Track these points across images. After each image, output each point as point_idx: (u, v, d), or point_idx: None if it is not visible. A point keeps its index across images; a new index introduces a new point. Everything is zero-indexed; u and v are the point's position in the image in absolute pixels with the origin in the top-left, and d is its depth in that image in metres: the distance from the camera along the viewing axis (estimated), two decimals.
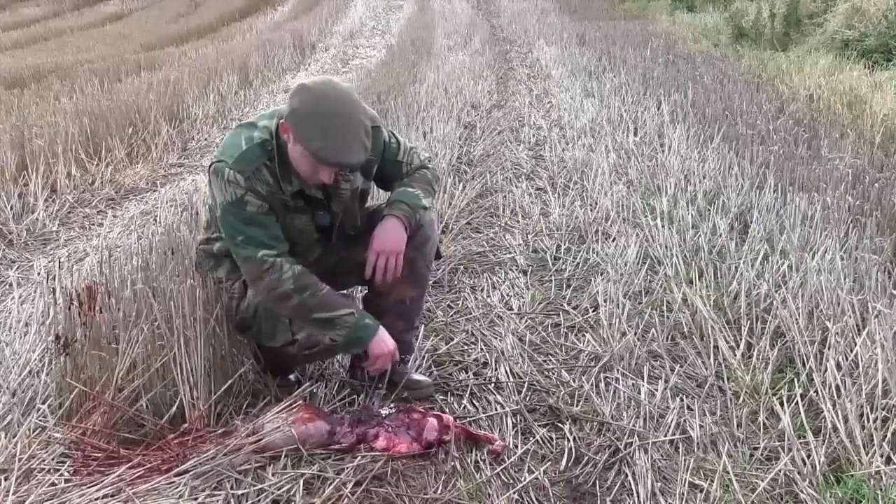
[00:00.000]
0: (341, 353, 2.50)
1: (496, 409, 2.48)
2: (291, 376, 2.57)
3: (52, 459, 2.11)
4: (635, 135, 5.49)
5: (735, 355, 2.69)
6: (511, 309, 3.20)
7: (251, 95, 7.71)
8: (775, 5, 9.59)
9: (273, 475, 2.10)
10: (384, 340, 2.30)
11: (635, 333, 2.87)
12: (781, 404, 2.38)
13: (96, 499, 1.97)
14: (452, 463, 2.19)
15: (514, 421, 2.43)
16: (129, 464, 2.06)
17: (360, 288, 2.82)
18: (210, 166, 2.25)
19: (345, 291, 2.54)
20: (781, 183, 4.03)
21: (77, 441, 2.15)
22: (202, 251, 2.44)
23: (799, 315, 2.74)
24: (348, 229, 2.43)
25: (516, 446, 2.31)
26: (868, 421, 2.21)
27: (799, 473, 2.11)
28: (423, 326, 2.99)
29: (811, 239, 3.36)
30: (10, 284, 3.41)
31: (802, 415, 2.32)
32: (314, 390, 2.52)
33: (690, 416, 2.40)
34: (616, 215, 4.03)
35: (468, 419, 2.43)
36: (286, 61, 9.61)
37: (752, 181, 4.18)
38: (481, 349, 2.86)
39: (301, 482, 2.08)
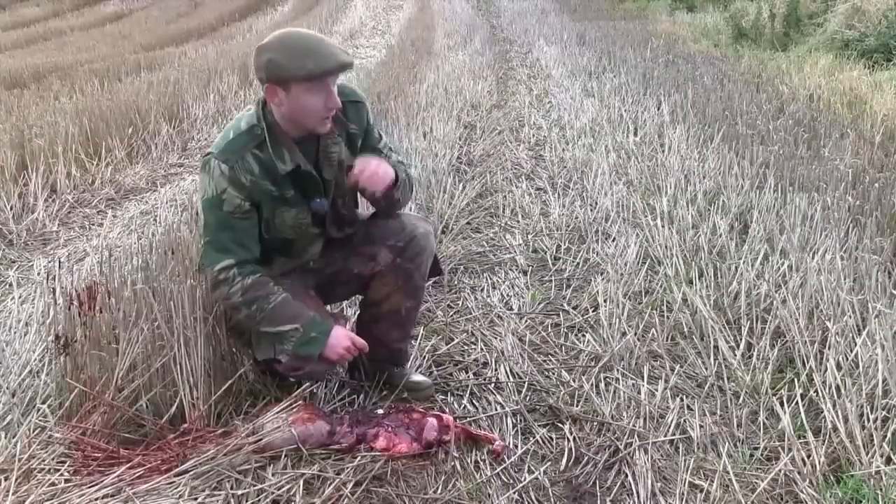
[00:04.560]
0: (311, 370, 2.35)
1: (496, 409, 2.48)
2: (291, 378, 2.57)
3: (52, 459, 2.11)
4: (635, 135, 5.49)
5: (735, 355, 2.69)
6: (511, 309, 3.20)
7: (251, 95, 7.70)
8: (775, 5, 9.59)
9: (273, 475, 2.10)
10: (336, 346, 2.24)
11: (635, 333, 2.87)
12: (781, 404, 2.38)
13: (96, 499, 1.97)
14: (452, 463, 2.19)
15: (514, 421, 2.43)
16: (129, 464, 2.06)
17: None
18: (201, 161, 2.28)
19: (311, 293, 2.45)
20: (781, 183, 4.03)
21: (77, 441, 2.15)
22: None
23: (799, 315, 2.74)
24: (341, 209, 2.41)
25: (516, 446, 2.31)
26: (868, 421, 2.21)
27: (799, 473, 2.11)
28: (422, 327, 2.99)
29: (811, 239, 3.36)
30: (10, 284, 3.41)
31: (802, 415, 2.32)
32: (314, 390, 2.52)
33: (690, 416, 2.40)
34: (616, 215, 4.03)
35: (468, 419, 2.43)
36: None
37: (752, 181, 4.18)
38: (481, 349, 2.86)
39: (301, 482, 2.08)
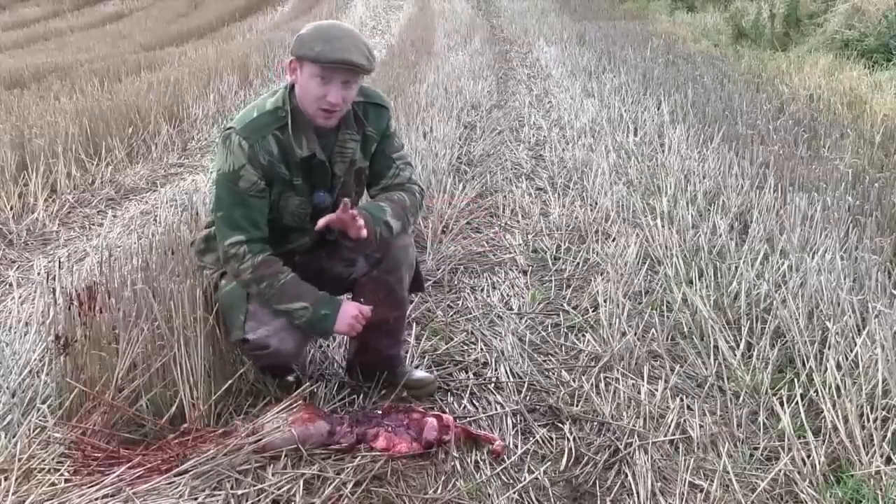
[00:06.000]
0: (277, 349, 2.32)
1: (496, 409, 2.48)
2: (290, 377, 2.57)
3: (52, 459, 2.11)
4: (635, 135, 5.49)
5: (735, 355, 2.69)
6: (511, 309, 3.20)
7: (251, 95, 7.70)
8: (775, 5, 9.59)
9: (273, 475, 2.10)
10: (345, 317, 2.27)
11: (635, 333, 2.87)
12: (781, 404, 2.38)
13: (96, 499, 1.97)
14: (452, 463, 2.19)
15: (514, 421, 2.43)
16: (129, 464, 2.06)
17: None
18: (220, 136, 2.31)
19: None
20: (781, 183, 4.03)
21: (77, 441, 2.14)
22: (203, 236, 2.45)
23: (799, 315, 2.74)
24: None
25: (516, 446, 2.31)
26: (868, 421, 2.21)
27: (799, 473, 2.11)
28: (422, 327, 3.00)
29: (811, 239, 3.36)
30: (10, 284, 3.41)
31: (802, 415, 2.32)
32: (314, 390, 2.52)
33: (690, 416, 2.40)
34: (616, 215, 4.03)
35: (468, 419, 2.43)
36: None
37: (752, 181, 4.18)
38: (481, 349, 2.86)
39: (301, 482, 2.08)
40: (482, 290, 3.38)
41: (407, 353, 2.73)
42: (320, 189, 2.34)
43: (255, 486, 2.06)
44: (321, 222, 2.25)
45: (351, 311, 2.29)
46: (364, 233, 2.23)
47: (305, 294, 2.27)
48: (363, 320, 2.31)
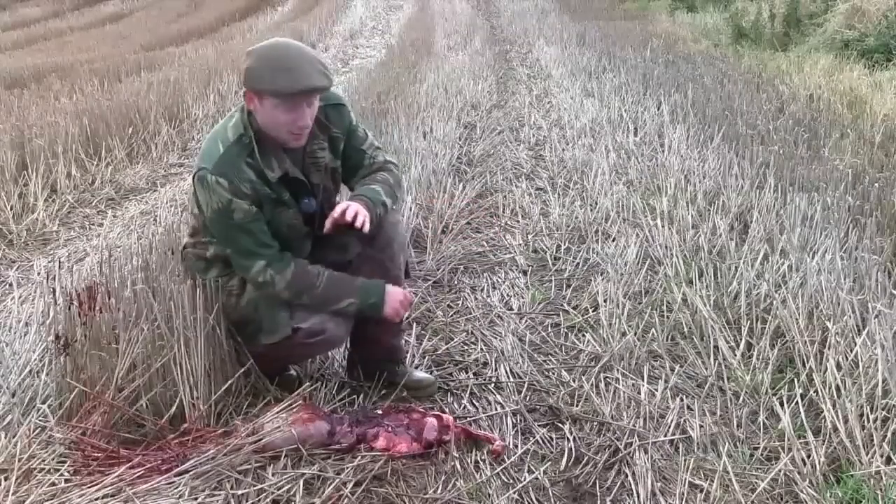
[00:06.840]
0: (331, 335, 2.40)
1: (496, 409, 2.48)
2: (292, 371, 2.57)
3: (52, 459, 2.11)
4: (635, 135, 5.49)
5: (735, 355, 2.69)
6: (511, 309, 3.20)
7: None
8: (775, 5, 9.59)
9: (273, 475, 2.10)
10: (392, 302, 2.37)
11: (635, 333, 2.87)
12: (781, 404, 2.38)
13: (96, 499, 1.97)
14: (452, 463, 2.19)
15: (514, 421, 2.43)
16: (129, 464, 2.06)
17: None
18: (193, 176, 2.28)
19: None
20: (781, 183, 4.03)
21: (77, 441, 2.15)
22: (193, 255, 2.43)
23: (799, 315, 2.74)
24: (328, 210, 2.41)
25: (516, 446, 2.31)
26: (868, 421, 2.21)
27: (799, 473, 2.11)
28: (422, 327, 3.00)
29: (811, 239, 3.36)
30: (10, 284, 3.42)
31: (802, 415, 2.32)
32: (314, 390, 2.52)
33: (690, 416, 2.40)
34: (616, 215, 4.03)
35: (468, 419, 2.43)
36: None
37: (752, 181, 4.18)
38: (481, 349, 2.86)
39: (301, 482, 2.08)
40: (482, 290, 3.38)
41: (407, 352, 2.73)
42: (304, 197, 2.36)
43: (255, 486, 2.06)
44: (328, 226, 2.29)
45: (397, 296, 2.37)
46: (367, 227, 2.26)
47: (348, 291, 2.34)
48: (408, 305, 2.41)
